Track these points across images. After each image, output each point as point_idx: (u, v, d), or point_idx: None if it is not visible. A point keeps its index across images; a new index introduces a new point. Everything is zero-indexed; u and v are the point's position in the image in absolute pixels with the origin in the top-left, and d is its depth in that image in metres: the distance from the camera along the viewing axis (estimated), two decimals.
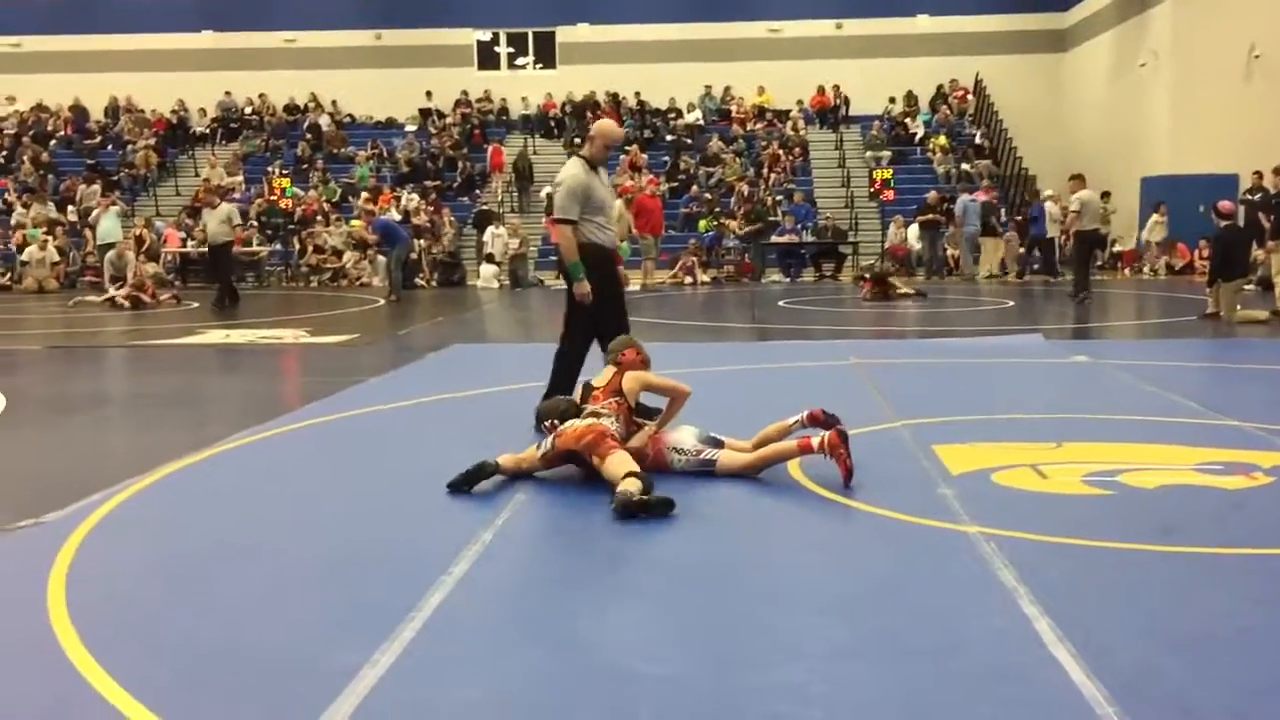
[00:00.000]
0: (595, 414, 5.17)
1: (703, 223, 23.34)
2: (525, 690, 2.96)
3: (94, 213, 21.82)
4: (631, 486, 4.55)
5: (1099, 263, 20.42)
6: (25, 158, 26.76)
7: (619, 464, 4.78)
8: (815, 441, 4.97)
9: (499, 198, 25.91)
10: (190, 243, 23.08)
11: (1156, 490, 4.89)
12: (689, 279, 20.41)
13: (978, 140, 26.63)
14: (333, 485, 5.32)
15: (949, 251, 22.01)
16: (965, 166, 25.45)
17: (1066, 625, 3.27)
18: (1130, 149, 23.36)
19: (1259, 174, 19.01)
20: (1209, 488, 4.93)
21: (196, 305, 15.64)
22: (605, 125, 6.63)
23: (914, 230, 21.68)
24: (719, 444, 5.30)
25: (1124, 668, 3.00)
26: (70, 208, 24.54)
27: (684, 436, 5.31)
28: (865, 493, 4.82)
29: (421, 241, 21.88)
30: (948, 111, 27.54)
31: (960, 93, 28.11)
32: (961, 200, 20.83)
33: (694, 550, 4.17)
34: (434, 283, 21.29)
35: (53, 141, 28.32)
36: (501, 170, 26.83)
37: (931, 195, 22.37)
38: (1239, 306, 12.43)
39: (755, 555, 4.14)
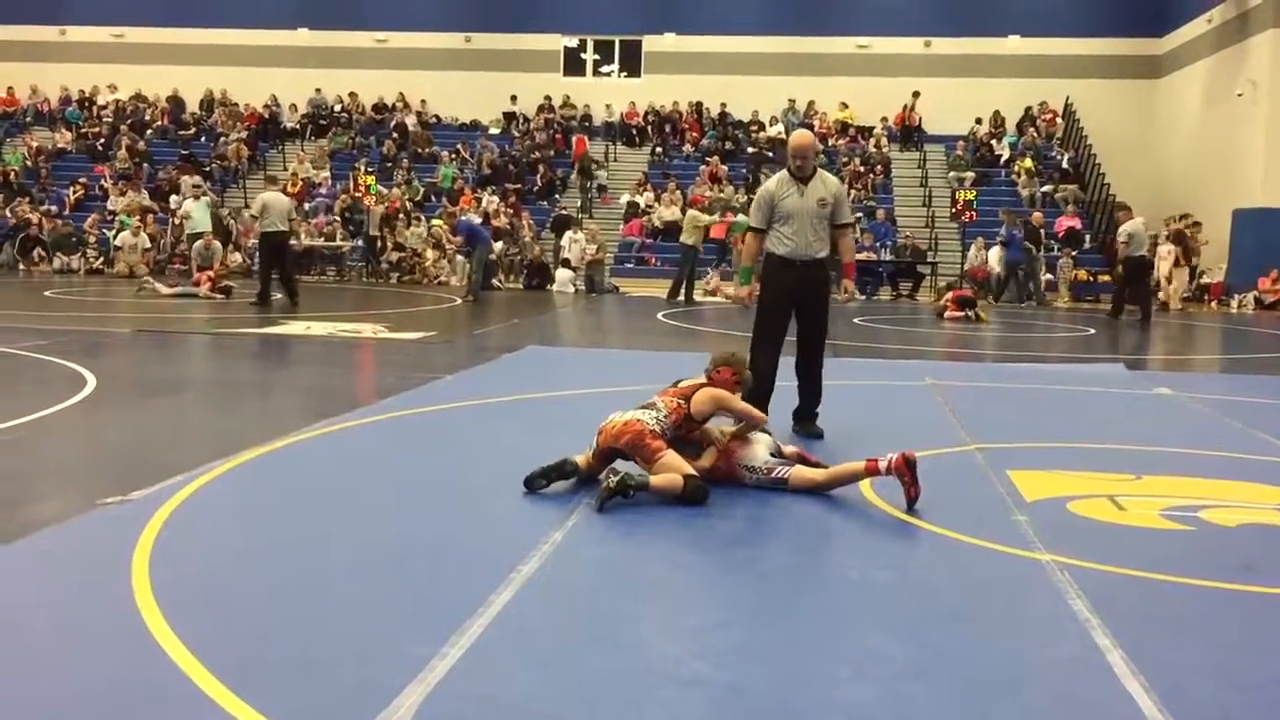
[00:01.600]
0: (650, 405, 5.21)
1: None
2: (590, 690, 2.98)
3: (185, 202, 22.42)
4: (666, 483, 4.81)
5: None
6: (122, 145, 27.52)
7: (671, 467, 4.84)
8: (883, 464, 4.93)
9: (579, 202, 26.06)
10: None
11: (1237, 528, 4.79)
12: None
13: (1064, 165, 26.22)
14: (406, 479, 5.41)
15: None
16: (1046, 188, 25.10)
17: (1140, 659, 3.22)
18: (1223, 180, 22.84)
19: None
20: None
21: (279, 296, 15.94)
22: (791, 136, 6.80)
23: (995, 253, 21.41)
24: (790, 459, 5.30)
25: (1197, 705, 2.95)
26: (174, 198, 25.11)
27: (757, 451, 5.29)
28: (938, 516, 4.78)
29: (500, 244, 22.14)
30: (1035, 134, 27.15)
31: (1049, 115, 27.71)
32: (1006, 226, 20.27)
33: (765, 563, 4.17)
34: (519, 283, 21.57)
35: (149, 131, 29.10)
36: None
37: (1036, 217, 22.13)
38: None
39: (826, 571, 4.13)
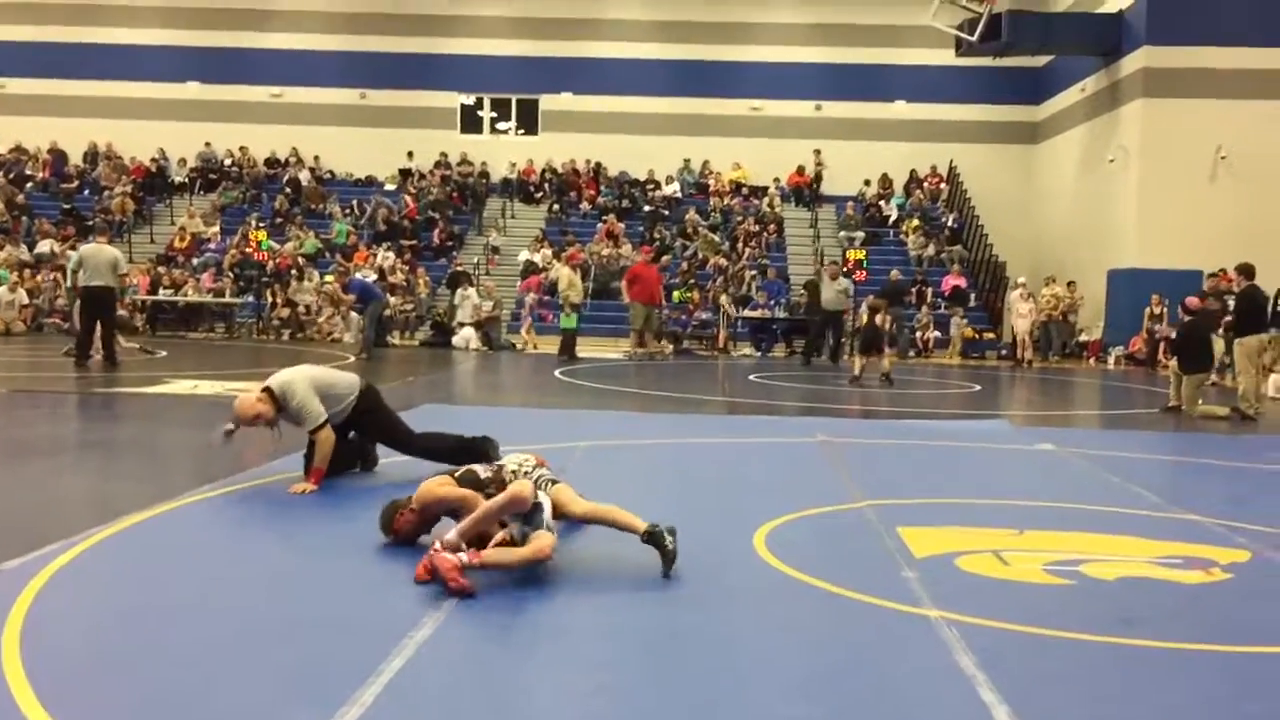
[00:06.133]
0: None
1: (676, 294, 23.56)
2: None
3: (69, 253, 21.82)
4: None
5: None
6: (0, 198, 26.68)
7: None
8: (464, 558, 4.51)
9: (475, 260, 26.02)
10: (163, 290, 23.13)
11: (1116, 582, 4.94)
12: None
13: (950, 225, 27.08)
14: (296, 544, 5.29)
15: (916, 332, 22.53)
16: (929, 250, 25.91)
17: (1024, 714, 3.29)
18: (1098, 241, 23.82)
19: (1223, 272, 19.43)
20: (1168, 581, 4.98)
21: (165, 354, 15.53)
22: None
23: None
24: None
25: None
26: (47, 244, 24.64)
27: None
28: (829, 573, 4.84)
29: (395, 299, 21.97)
30: (921, 196, 28.03)
31: (934, 178, 28.64)
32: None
33: (658, 625, 4.17)
34: (414, 339, 21.45)
35: (29, 184, 28.26)
36: None
37: (894, 274, 22.92)
38: (1200, 401, 12.63)
39: (718, 632, 4.13)
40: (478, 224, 27.81)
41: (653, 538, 4.78)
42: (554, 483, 5.07)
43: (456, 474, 5.11)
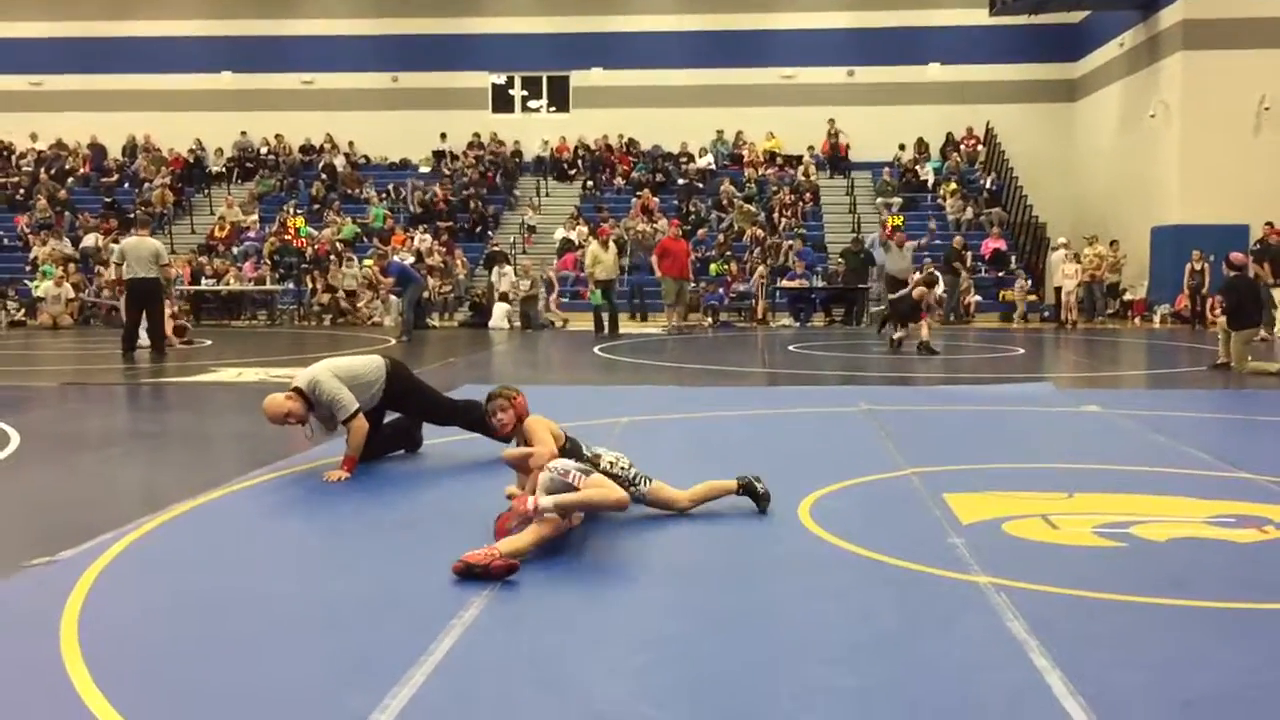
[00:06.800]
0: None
1: (714, 266, 23.49)
2: None
3: (110, 246, 22.13)
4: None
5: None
6: (41, 195, 27.02)
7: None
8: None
9: (511, 239, 26.06)
10: (205, 280, 23.38)
11: (1168, 543, 4.88)
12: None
13: (988, 187, 26.76)
14: (343, 528, 5.34)
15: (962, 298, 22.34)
16: (967, 215, 25.61)
17: (1078, 679, 3.26)
18: (1141, 198, 23.46)
19: (1270, 225, 19.13)
20: (1220, 541, 4.91)
21: (210, 343, 15.70)
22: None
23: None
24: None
25: None
26: (93, 236, 25.06)
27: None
28: (875, 541, 4.82)
29: (433, 281, 22.06)
30: (958, 159, 27.70)
31: (970, 140, 28.29)
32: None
33: (705, 597, 4.17)
34: (453, 321, 21.57)
35: (70, 179, 28.61)
36: None
37: (957, 241, 22.68)
38: (1249, 357, 12.43)
39: (764, 602, 4.13)
40: (512, 203, 27.88)
41: (745, 489, 5.37)
42: (649, 480, 5.29)
43: (565, 437, 5.24)
